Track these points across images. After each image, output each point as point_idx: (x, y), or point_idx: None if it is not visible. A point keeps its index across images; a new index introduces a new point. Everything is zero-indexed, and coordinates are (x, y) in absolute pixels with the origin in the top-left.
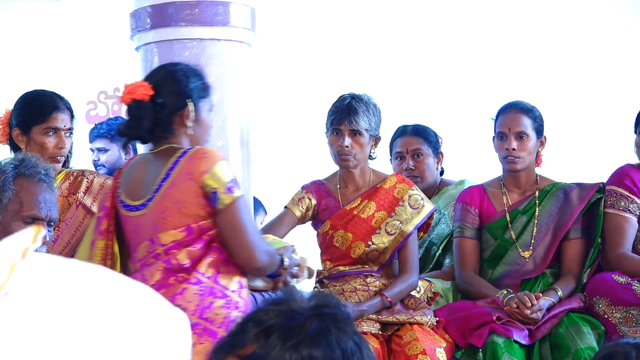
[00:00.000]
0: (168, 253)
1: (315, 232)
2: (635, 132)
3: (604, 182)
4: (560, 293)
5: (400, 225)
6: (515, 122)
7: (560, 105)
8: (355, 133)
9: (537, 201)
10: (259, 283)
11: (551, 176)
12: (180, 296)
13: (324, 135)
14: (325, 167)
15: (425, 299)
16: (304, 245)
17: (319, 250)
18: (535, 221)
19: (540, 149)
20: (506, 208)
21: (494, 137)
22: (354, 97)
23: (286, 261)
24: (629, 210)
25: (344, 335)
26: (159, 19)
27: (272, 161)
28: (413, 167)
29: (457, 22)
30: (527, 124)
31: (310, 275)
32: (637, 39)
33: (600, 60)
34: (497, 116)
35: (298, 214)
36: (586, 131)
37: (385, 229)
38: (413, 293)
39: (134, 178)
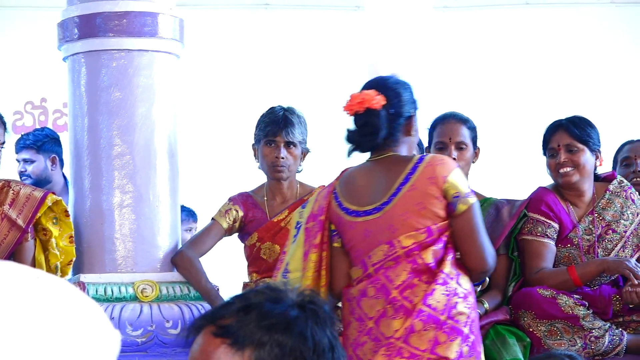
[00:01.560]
0: (410, 254)
1: (243, 244)
2: (544, 153)
3: (538, 188)
4: (486, 305)
5: None
6: (456, 132)
7: (487, 119)
8: (290, 145)
9: None
10: None
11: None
12: (430, 296)
13: (251, 147)
14: (253, 178)
15: None
16: (230, 257)
17: (246, 263)
18: None
19: (474, 161)
20: None
21: (429, 147)
22: (286, 109)
23: None
24: (547, 235)
25: (321, 330)
26: (87, 29)
27: (199, 173)
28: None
29: (384, 35)
30: (466, 134)
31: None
32: (574, 53)
33: (530, 74)
34: (434, 126)
35: (225, 225)
36: (510, 145)
37: None
38: (340, 304)
39: (358, 185)
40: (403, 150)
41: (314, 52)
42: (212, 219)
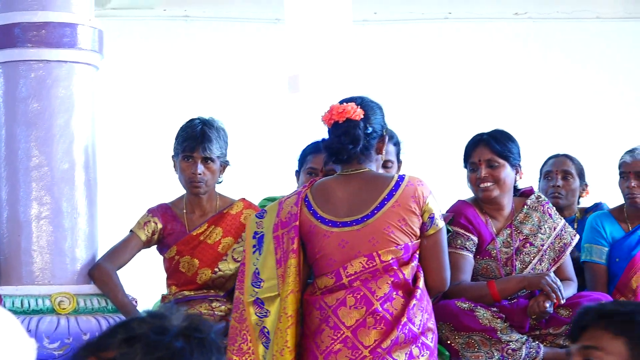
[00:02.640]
0: (389, 269)
1: (162, 257)
2: (465, 167)
3: (457, 202)
4: None
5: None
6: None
7: (407, 133)
8: (207, 160)
9: None
10: None
11: None
12: (412, 311)
13: (171, 158)
14: (172, 190)
15: None
16: (149, 269)
17: (164, 275)
18: None
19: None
20: None
21: None
22: (205, 123)
23: None
24: (466, 247)
25: (206, 359)
26: (5, 39)
27: (118, 184)
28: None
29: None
30: (391, 150)
31: None
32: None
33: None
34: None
35: (144, 237)
36: (430, 158)
37: (232, 256)
38: None
39: (336, 196)
40: (374, 168)
41: (234, 64)
42: (131, 230)
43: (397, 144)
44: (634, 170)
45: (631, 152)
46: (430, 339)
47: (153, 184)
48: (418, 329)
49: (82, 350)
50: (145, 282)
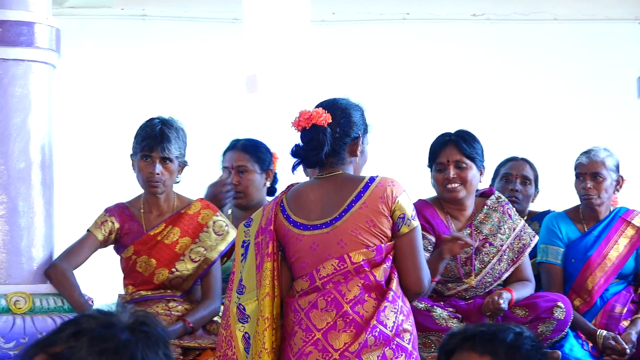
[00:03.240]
0: (360, 271)
1: (119, 256)
2: (430, 166)
3: (417, 200)
4: None
5: (205, 252)
6: None
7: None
8: (165, 160)
9: None
10: None
11: None
12: (383, 313)
13: (129, 157)
14: (130, 190)
15: None
16: (106, 268)
17: (121, 274)
18: None
19: None
20: None
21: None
22: (164, 123)
23: None
24: (424, 247)
25: (152, 353)
26: None
27: (75, 184)
28: (237, 182)
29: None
30: None
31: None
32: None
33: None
34: None
35: (100, 237)
36: (388, 158)
37: (190, 256)
38: (215, 318)
39: (308, 199)
40: (350, 170)
41: (192, 64)
42: (88, 230)
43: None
44: (590, 171)
45: (587, 153)
46: (407, 340)
47: (110, 184)
48: (391, 330)
49: (31, 347)
50: (102, 281)
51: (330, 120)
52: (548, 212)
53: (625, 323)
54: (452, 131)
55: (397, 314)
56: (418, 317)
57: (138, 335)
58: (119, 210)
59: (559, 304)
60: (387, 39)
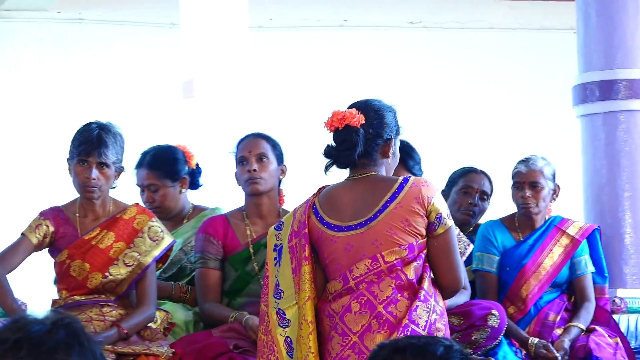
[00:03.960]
0: (393, 270)
1: (53, 260)
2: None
3: None
4: None
5: (139, 257)
6: (256, 145)
7: (301, 138)
8: (102, 165)
9: None
10: None
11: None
12: (414, 312)
13: (66, 161)
14: (64, 193)
15: (162, 330)
16: (40, 272)
17: (55, 279)
18: None
19: (281, 177)
20: (249, 240)
21: (236, 172)
22: (102, 128)
23: None
24: None
25: (93, 343)
26: None
27: (9, 187)
28: (151, 201)
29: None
30: (267, 147)
31: None
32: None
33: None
34: (237, 146)
35: (35, 240)
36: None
37: (124, 260)
38: (150, 324)
39: (341, 201)
40: (382, 172)
41: (129, 68)
42: (22, 233)
43: (275, 146)
44: (529, 180)
45: (525, 162)
46: None
47: (45, 187)
48: (423, 329)
49: None
50: (36, 286)
51: (364, 121)
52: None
53: (558, 331)
54: None
55: (429, 313)
56: None
57: (73, 328)
58: (54, 214)
59: (494, 311)
60: (325, 46)
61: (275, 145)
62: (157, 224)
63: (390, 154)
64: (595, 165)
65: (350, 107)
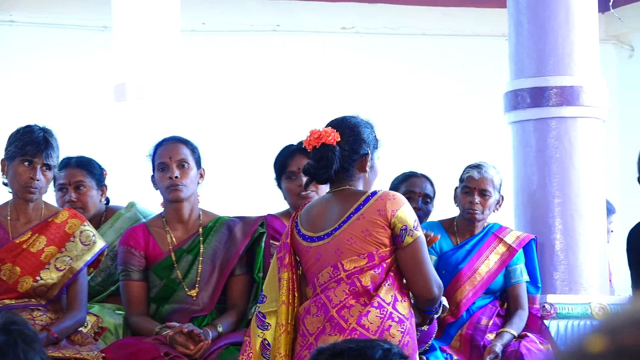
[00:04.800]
0: (351, 277)
1: None
2: (279, 176)
3: (266, 215)
4: (220, 329)
5: (71, 261)
6: (176, 151)
7: (231, 142)
8: (46, 167)
9: (201, 238)
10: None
11: (213, 210)
12: (365, 317)
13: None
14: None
15: (92, 334)
16: None
17: None
18: (201, 259)
19: (200, 181)
20: (171, 247)
21: (152, 175)
22: (45, 131)
23: (444, 300)
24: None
25: (32, 350)
26: None
27: None
28: (75, 199)
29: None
30: (187, 152)
31: (444, 311)
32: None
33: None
34: (155, 151)
35: None
36: (254, 167)
37: (55, 265)
38: (80, 328)
39: (315, 214)
40: (359, 185)
41: (61, 71)
42: None
43: (194, 150)
44: (480, 187)
45: (478, 168)
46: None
47: None
48: (374, 335)
49: None
50: None
51: (339, 139)
52: None
53: (490, 335)
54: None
55: (383, 320)
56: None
57: (14, 334)
58: None
59: None
60: (258, 50)
61: (194, 150)
62: (89, 229)
63: (367, 168)
64: (526, 171)
65: (328, 125)
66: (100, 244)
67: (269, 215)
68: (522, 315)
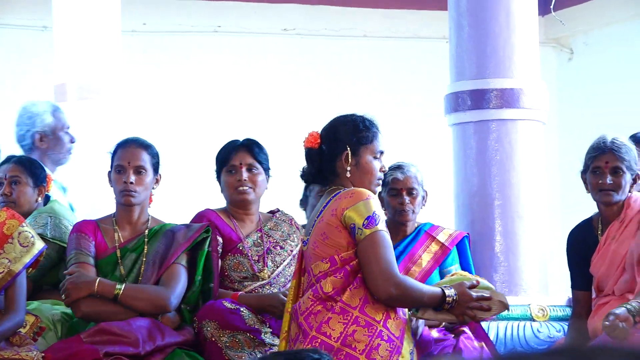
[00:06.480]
0: (317, 282)
1: None
2: (219, 171)
3: (205, 210)
4: (119, 287)
5: (9, 263)
6: (135, 156)
7: (178, 145)
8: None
9: (146, 239)
10: (430, 315)
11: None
12: (326, 324)
13: None
14: None
15: (31, 335)
16: None
17: None
18: (144, 259)
19: (154, 187)
20: (117, 245)
21: (110, 172)
22: None
23: (448, 293)
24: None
25: None
26: None
27: None
28: (8, 193)
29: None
30: (146, 159)
31: (504, 309)
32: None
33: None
34: (115, 150)
35: None
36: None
37: None
38: (19, 330)
39: (310, 218)
40: (347, 184)
41: (2, 71)
42: None
43: (154, 155)
44: (407, 186)
45: (400, 169)
46: (360, 351)
47: None
48: (336, 341)
49: None
50: None
51: (319, 141)
52: None
53: (434, 333)
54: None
55: (347, 325)
56: (225, 315)
57: None
58: None
59: None
60: (199, 51)
61: (154, 155)
62: (27, 229)
63: (348, 167)
64: (466, 173)
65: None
66: (39, 245)
67: (207, 210)
68: None
